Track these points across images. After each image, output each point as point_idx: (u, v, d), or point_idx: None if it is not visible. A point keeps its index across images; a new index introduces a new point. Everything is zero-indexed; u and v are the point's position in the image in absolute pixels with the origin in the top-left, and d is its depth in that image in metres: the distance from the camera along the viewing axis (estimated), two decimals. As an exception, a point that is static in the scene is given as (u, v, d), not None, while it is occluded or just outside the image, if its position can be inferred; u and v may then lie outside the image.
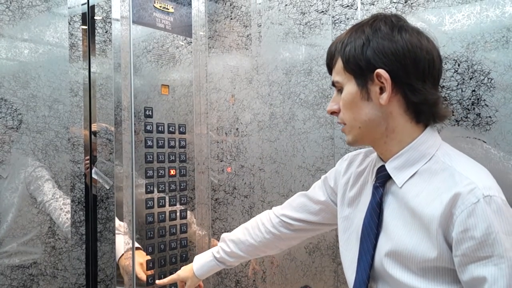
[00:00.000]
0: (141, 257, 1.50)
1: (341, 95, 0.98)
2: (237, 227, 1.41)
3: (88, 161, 1.45)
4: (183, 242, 1.63)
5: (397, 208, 0.95)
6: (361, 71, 0.93)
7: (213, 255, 1.37)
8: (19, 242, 1.34)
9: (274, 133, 1.59)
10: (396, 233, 0.94)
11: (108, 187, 1.46)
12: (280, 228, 1.27)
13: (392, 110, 0.94)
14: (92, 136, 1.45)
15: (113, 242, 1.45)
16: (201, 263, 1.38)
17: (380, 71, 0.91)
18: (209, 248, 1.71)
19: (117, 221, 1.46)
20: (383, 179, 0.99)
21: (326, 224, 1.24)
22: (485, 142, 1.12)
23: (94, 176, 1.45)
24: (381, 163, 1.00)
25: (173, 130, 1.60)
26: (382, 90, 0.93)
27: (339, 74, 0.97)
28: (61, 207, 1.41)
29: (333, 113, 1.01)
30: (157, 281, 1.48)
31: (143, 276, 1.49)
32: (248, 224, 1.35)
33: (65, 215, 1.41)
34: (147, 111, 1.53)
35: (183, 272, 1.41)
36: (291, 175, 1.56)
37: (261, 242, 1.30)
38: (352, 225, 1.05)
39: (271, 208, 1.34)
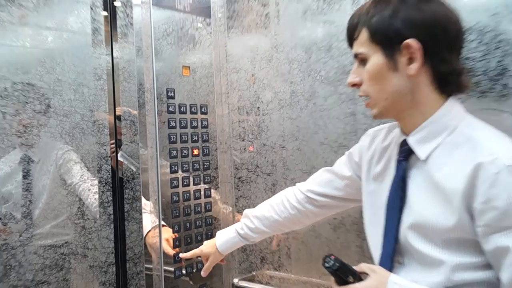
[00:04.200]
0: (167, 233, 1.51)
1: (363, 67, 0.96)
2: (259, 204, 1.39)
3: (113, 144, 1.45)
4: (208, 220, 1.64)
5: (421, 182, 0.94)
6: (389, 41, 0.91)
7: (236, 231, 1.36)
8: (52, 224, 1.36)
9: (295, 111, 1.59)
10: (419, 206, 0.93)
11: (134, 169, 1.46)
12: (305, 204, 1.27)
13: (419, 80, 0.93)
14: (117, 119, 1.45)
15: (140, 221, 1.46)
16: (224, 239, 1.38)
17: (411, 41, 0.89)
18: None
19: (143, 200, 1.47)
20: (406, 153, 0.97)
21: (351, 199, 1.22)
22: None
23: (120, 159, 1.45)
24: (404, 137, 0.99)
25: (195, 111, 1.61)
26: (410, 60, 0.91)
27: (363, 45, 0.95)
28: (89, 188, 1.42)
29: (354, 85, 0.98)
30: (181, 255, 1.49)
31: (170, 251, 1.49)
32: (272, 201, 1.34)
33: (93, 195, 1.42)
34: (169, 92, 1.53)
35: (206, 247, 1.42)
36: (313, 152, 1.56)
37: (286, 218, 1.29)
38: (378, 200, 1.04)
39: (294, 185, 1.33)
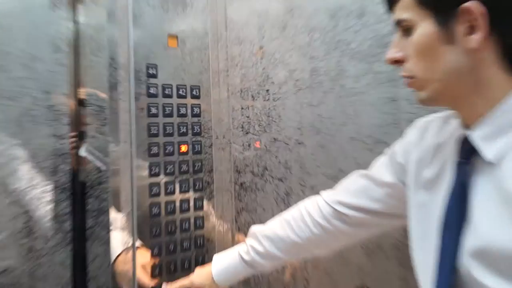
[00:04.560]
0: (144, 258, 1.45)
1: (407, 39, 0.95)
2: (270, 218, 1.41)
3: (74, 138, 1.42)
4: (198, 240, 1.60)
5: (489, 192, 0.91)
6: (443, 5, 0.91)
7: (240, 256, 1.34)
8: None
9: (316, 95, 1.61)
10: (485, 225, 0.90)
11: (101, 171, 1.43)
12: (332, 221, 1.27)
13: (482, 56, 0.91)
14: (80, 104, 1.44)
15: (107, 242, 1.42)
16: (223, 265, 1.35)
17: (471, 4, 0.87)
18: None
19: (112, 213, 1.43)
20: (468, 153, 0.95)
21: (394, 215, 1.21)
22: None
23: (83, 154, 1.42)
24: (465, 132, 0.97)
25: (183, 94, 1.56)
26: (470, 29, 0.89)
27: (408, 10, 0.94)
28: (40, 196, 1.37)
29: (395, 62, 0.98)
30: (164, 285, 1.44)
31: (147, 282, 1.43)
32: (289, 215, 1.33)
33: (45, 206, 1.38)
34: (150, 69, 1.49)
35: (198, 277, 1.37)
36: (341, 150, 1.59)
37: (308, 239, 1.28)
38: (429, 215, 1.02)
39: (317, 195, 1.33)
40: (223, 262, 1.36)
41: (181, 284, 1.40)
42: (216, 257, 1.38)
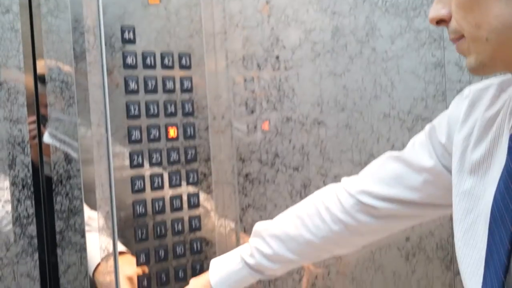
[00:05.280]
0: (129, 267, 1.46)
1: None
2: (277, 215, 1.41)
3: (34, 123, 1.42)
4: (195, 245, 1.61)
5: None
6: None
7: (243, 260, 1.33)
8: None
9: (341, 62, 1.59)
10: None
11: (74, 157, 1.44)
12: (356, 215, 1.26)
13: None
14: (39, 80, 1.45)
15: (82, 248, 1.42)
16: (224, 272, 1.35)
17: None
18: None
19: (87, 212, 1.43)
20: None
21: (435, 205, 1.21)
22: None
23: (47, 141, 1.42)
24: None
25: (169, 64, 1.55)
26: None
27: None
28: None
29: (440, 22, 0.97)
30: None
31: None
32: (302, 210, 1.33)
33: (2, 207, 1.38)
34: (126, 33, 1.47)
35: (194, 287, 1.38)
36: (371, 131, 1.57)
37: (326, 237, 1.29)
38: (478, 205, 1.02)
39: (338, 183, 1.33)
40: (223, 267, 1.36)
41: None
42: (214, 262, 1.38)
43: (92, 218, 1.45)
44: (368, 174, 1.28)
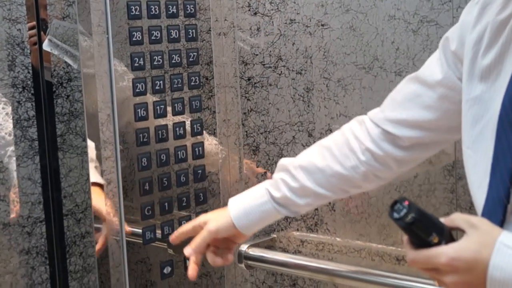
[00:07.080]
0: (99, 197, 1.50)
1: None
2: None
3: (33, 28, 1.42)
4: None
5: None
6: None
7: (268, 193, 1.31)
8: None
9: None
10: None
11: (73, 65, 1.45)
12: (383, 145, 1.25)
13: None
14: None
15: (83, 152, 1.44)
16: (248, 205, 1.33)
17: None
18: (239, 171, 1.75)
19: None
20: None
21: (451, 129, 1.20)
22: None
23: (48, 48, 1.42)
24: None
25: None
26: None
27: None
28: None
29: None
30: (172, 237, 1.42)
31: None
32: (329, 140, 1.32)
33: (3, 108, 1.39)
34: None
35: (215, 221, 1.34)
36: (376, 33, 1.53)
37: (354, 168, 1.27)
38: (488, 112, 1.01)
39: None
40: (246, 201, 1.33)
41: (191, 228, 1.37)
42: (234, 198, 1.35)
43: (89, 146, 1.49)
44: (389, 101, 1.27)
